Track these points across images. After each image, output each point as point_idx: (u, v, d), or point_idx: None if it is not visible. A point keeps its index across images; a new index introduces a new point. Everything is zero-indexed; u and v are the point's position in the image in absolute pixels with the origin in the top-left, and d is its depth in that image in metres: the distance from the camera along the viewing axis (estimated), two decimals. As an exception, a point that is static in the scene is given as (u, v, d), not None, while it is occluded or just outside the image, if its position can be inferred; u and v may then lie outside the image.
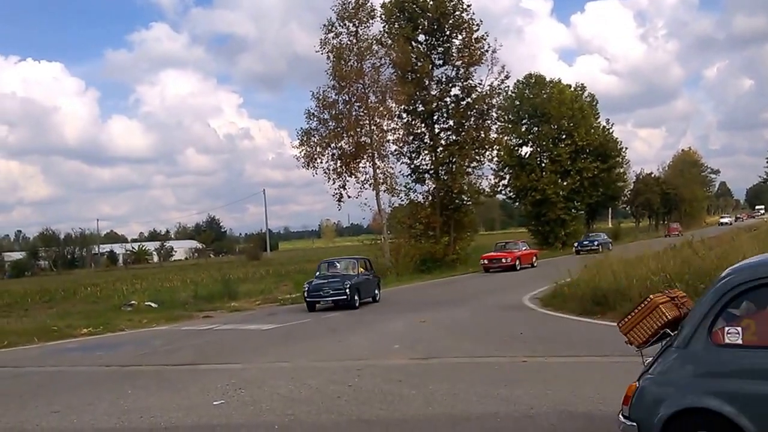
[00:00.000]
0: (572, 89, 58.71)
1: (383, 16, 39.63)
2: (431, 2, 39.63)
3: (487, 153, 41.79)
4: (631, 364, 9.38)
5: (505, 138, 48.50)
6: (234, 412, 8.16)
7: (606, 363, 9.68)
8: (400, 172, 39.38)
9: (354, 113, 35.48)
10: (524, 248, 36.55)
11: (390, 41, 38.13)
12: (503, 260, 33.43)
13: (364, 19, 35.74)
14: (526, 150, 56.70)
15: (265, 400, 8.65)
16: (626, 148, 65.68)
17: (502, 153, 48.04)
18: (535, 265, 35.05)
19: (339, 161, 35.52)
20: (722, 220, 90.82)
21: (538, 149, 56.24)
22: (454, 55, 40.11)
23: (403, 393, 8.45)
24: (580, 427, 6.62)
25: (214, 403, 8.64)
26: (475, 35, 39.73)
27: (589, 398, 7.49)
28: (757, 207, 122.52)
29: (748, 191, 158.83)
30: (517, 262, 33.53)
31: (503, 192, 57.82)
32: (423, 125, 40.86)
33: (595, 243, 44.46)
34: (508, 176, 55.30)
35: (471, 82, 40.23)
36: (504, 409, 7.39)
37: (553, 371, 9.34)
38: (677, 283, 12.35)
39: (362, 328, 15.55)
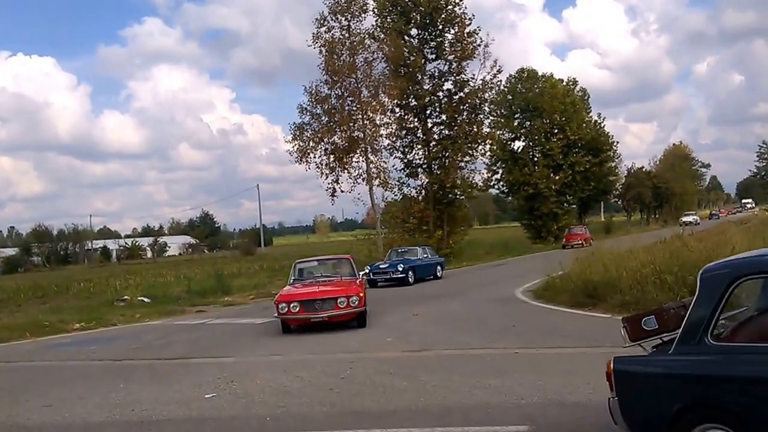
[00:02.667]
0: (564, 84, 58.91)
1: (375, 10, 39.65)
2: (423, -4, 39.55)
3: (480, 147, 41.69)
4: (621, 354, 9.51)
5: (498, 132, 48.49)
6: (226, 404, 8.18)
7: (596, 354, 9.69)
8: (393, 166, 39.55)
9: (347, 108, 35.44)
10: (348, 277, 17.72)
11: (382, 35, 38.11)
12: None
13: (357, 13, 35.70)
14: (518, 144, 56.94)
15: (258, 392, 8.67)
16: (618, 143, 66.15)
17: (494, 147, 47.99)
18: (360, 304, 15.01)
19: (332, 156, 35.45)
20: (684, 219, 63.92)
21: (531, 143, 56.37)
22: (446, 49, 40.14)
23: (395, 385, 8.49)
24: (570, 415, 6.66)
25: (206, 396, 8.66)
26: (467, 29, 39.79)
27: (579, 388, 7.54)
28: (743, 201, 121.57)
29: (738, 185, 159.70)
30: None
31: (496, 186, 58.06)
32: (416, 120, 40.86)
33: (399, 268, 25.28)
34: (500, 171, 55.44)
35: (463, 76, 40.33)
36: (495, 399, 7.43)
37: (544, 362, 9.40)
38: (666, 275, 12.45)
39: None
